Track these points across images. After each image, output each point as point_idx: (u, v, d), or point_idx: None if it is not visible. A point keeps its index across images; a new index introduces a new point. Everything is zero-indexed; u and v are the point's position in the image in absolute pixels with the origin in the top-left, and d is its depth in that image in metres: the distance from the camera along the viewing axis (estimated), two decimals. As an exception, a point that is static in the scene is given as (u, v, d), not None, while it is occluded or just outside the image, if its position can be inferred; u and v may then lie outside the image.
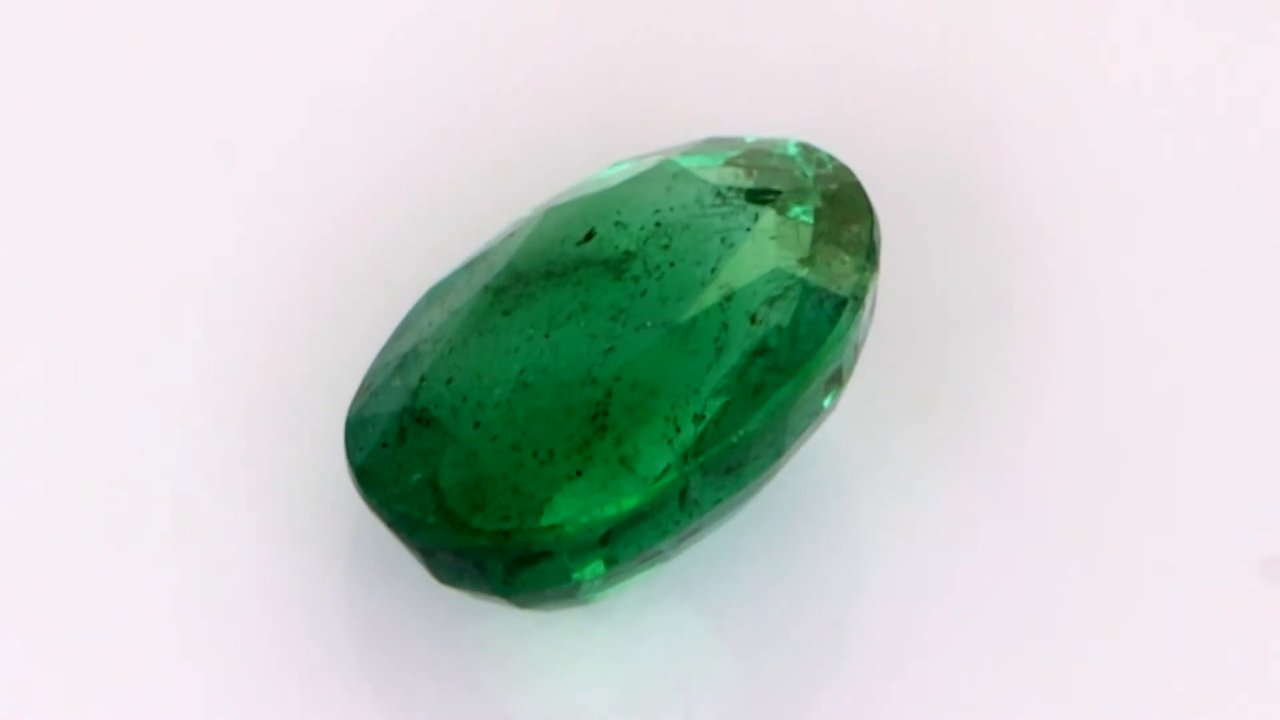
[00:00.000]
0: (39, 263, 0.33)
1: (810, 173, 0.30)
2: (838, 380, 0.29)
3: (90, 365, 0.32)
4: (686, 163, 0.30)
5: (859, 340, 0.29)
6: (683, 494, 0.28)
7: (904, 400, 0.31)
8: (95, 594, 0.30)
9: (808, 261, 0.29)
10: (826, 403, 0.29)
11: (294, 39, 0.35)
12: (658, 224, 0.29)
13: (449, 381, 0.29)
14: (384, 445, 0.29)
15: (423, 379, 0.29)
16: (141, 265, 0.33)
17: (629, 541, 0.28)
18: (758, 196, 0.30)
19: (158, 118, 0.34)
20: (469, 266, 0.30)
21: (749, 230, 0.29)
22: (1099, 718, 0.29)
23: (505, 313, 0.29)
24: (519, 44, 0.35)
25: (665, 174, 0.30)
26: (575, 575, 0.28)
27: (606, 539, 0.28)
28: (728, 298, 0.29)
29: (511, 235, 0.30)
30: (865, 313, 0.29)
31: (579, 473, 0.28)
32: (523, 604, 0.29)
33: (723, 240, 0.29)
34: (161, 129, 0.34)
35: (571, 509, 0.28)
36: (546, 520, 0.28)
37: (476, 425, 0.28)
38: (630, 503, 0.28)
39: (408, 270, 0.32)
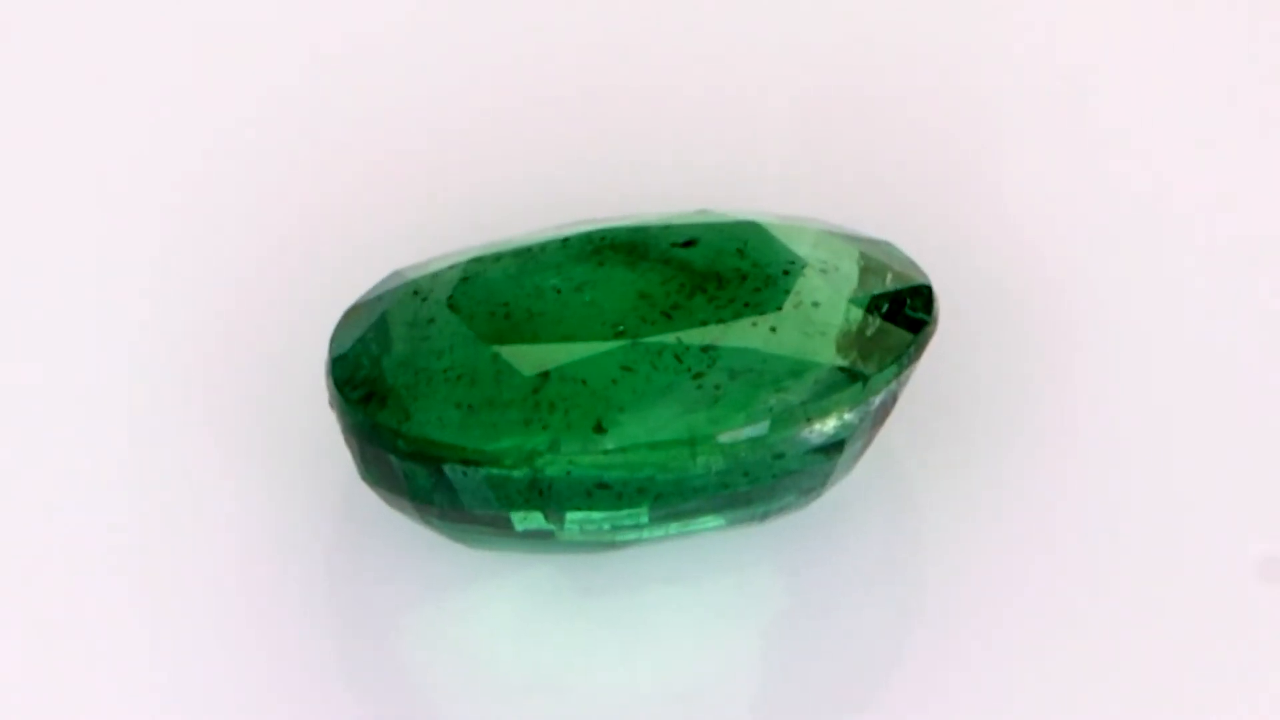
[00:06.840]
0: (37, 238, 0.34)
1: (884, 309, 0.29)
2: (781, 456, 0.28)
3: (65, 334, 0.33)
4: (854, 247, 0.30)
5: (793, 453, 0.28)
6: (534, 484, 0.28)
7: (949, 423, 0.32)
8: (68, 564, 0.30)
9: (796, 368, 0.28)
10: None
11: (298, 33, 0.36)
12: (785, 272, 0.29)
13: (465, 279, 0.29)
14: (380, 299, 0.29)
15: (453, 265, 0.29)
16: (119, 234, 0.34)
17: (469, 494, 0.28)
18: (847, 303, 0.29)
19: (153, 110, 0.35)
20: (620, 219, 0.30)
21: (779, 311, 0.28)
22: (1098, 716, 0.29)
23: (600, 264, 0.29)
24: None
25: (842, 243, 0.30)
26: (408, 490, 0.28)
27: (438, 475, 0.28)
28: (704, 349, 0.28)
29: (669, 213, 0.30)
30: (808, 433, 0.28)
31: (470, 406, 0.28)
32: (382, 499, 0.29)
33: (751, 305, 0.28)
34: (158, 118, 0.35)
35: (425, 429, 0.28)
36: (399, 423, 0.28)
37: (431, 321, 0.29)
38: (468, 451, 0.28)
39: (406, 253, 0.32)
